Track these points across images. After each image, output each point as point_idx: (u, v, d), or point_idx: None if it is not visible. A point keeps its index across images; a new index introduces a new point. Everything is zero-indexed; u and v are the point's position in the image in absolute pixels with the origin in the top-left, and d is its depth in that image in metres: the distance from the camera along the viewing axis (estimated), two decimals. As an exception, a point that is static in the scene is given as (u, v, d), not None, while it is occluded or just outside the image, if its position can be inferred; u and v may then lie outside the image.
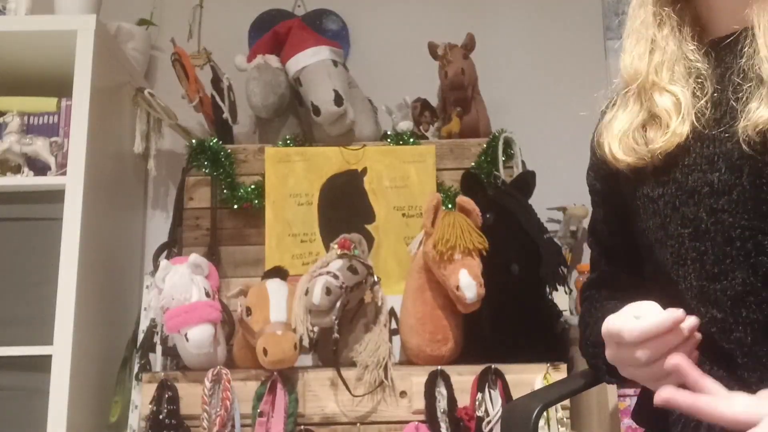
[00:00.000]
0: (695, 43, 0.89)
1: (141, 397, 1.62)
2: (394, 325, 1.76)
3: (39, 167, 1.82)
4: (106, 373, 1.88)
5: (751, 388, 0.77)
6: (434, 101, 2.16)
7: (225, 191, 1.97)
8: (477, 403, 1.56)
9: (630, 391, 1.69)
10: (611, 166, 0.92)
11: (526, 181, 1.83)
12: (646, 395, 0.98)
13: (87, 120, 1.79)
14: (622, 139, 0.89)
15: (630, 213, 0.95)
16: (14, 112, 1.83)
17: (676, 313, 0.75)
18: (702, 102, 0.84)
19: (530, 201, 1.82)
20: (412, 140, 2.02)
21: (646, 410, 0.95)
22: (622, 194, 0.96)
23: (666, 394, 0.71)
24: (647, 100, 0.88)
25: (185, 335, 1.56)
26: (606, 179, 0.99)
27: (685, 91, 0.86)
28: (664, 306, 0.89)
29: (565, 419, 1.55)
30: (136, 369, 1.77)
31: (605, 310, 0.96)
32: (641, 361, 0.76)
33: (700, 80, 0.86)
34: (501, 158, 1.96)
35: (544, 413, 1.46)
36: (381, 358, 1.59)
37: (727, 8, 0.87)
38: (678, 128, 0.84)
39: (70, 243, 1.71)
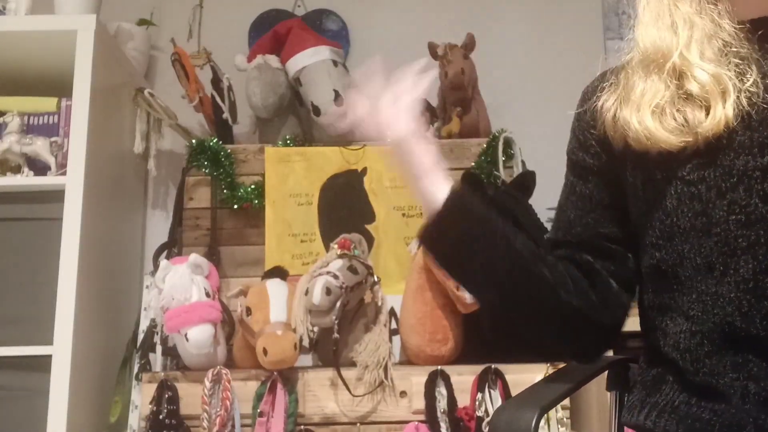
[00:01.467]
0: (734, 23, 0.85)
1: (141, 397, 1.62)
2: (394, 325, 1.76)
3: (39, 167, 1.82)
4: (106, 373, 1.88)
5: None
6: (434, 101, 2.16)
7: (225, 191, 1.97)
8: (477, 403, 1.56)
9: (630, 391, 1.69)
10: (619, 144, 0.86)
11: (526, 181, 1.83)
12: (638, 396, 0.97)
13: (87, 120, 1.79)
14: (656, 116, 0.83)
15: (629, 198, 0.90)
16: (14, 112, 1.83)
17: None
18: (747, 85, 0.80)
19: (530, 201, 1.82)
20: (412, 140, 2.02)
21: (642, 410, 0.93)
22: (617, 179, 0.91)
23: None
24: (683, 78, 0.83)
25: (185, 335, 1.56)
26: (600, 156, 0.93)
27: (729, 72, 0.81)
28: (690, 306, 0.83)
29: (565, 419, 1.55)
30: (136, 369, 1.78)
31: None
32: None
33: (742, 61, 0.82)
34: (501, 158, 1.96)
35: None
36: (381, 358, 1.59)
37: None
38: (726, 111, 0.79)
39: (70, 243, 1.71)
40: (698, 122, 0.80)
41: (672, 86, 0.83)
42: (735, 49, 0.83)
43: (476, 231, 0.89)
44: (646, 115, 0.83)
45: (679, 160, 0.82)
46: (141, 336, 1.82)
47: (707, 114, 0.80)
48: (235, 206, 1.97)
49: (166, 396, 1.58)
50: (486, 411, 1.55)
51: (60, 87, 1.86)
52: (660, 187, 0.84)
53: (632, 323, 1.78)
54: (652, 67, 0.86)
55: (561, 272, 0.91)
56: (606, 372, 1.23)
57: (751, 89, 0.80)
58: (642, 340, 0.95)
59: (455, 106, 2.06)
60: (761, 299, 0.76)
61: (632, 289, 0.95)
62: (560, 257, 0.94)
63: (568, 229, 0.98)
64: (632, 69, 0.88)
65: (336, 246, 1.69)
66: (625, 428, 0.93)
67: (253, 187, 1.98)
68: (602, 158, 0.93)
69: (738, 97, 0.80)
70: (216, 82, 2.11)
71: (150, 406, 1.57)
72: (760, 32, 0.84)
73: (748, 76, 0.81)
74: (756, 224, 0.77)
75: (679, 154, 0.82)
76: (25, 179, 1.80)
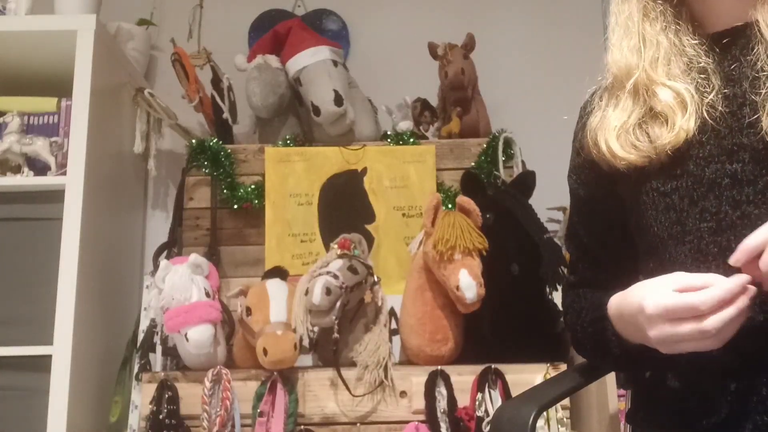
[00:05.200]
0: (696, 38, 0.88)
1: (141, 397, 1.62)
2: (394, 325, 1.76)
3: (39, 167, 1.82)
4: (106, 373, 1.88)
5: None
6: (434, 101, 2.16)
7: (225, 191, 1.97)
8: (477, 403, 1.56)
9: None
10: (604, 165, 0.90)
11: (526, 181, 1.83)
12: (639, 396, 0.97)
13: (87, 120, 1.79)
14: (621, 136, 0.86)
15: (624, 213, 0.94)
16: (14, 112, 1.83)
17: (744, 277, 0.72)
18: (711, 96, 0.83)
19: (530, 201, 1.82)
20: (412, 140, 2.03)
21: (642, 411, 0.94)
22: (612, 195, 0.95)
23: None
24: (646, 96, 0.86)
25: (185, 335, 1.56)
26: (590, 184, 0.97)
27: (689, 86, 0.84)
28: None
29: (565, 419, 1.55)
30: (136, 369, 1.77)
31: (597, 298, 0.95)
32: (711, 331, 0.71)
33: (704, 75, 0.85)
34: (501, 158, 1.96)
35: (543, 413, 1.46)
36: (381, 358, 1.59)
37: (725, 4, 0.87)
38: (684, 124, 0.82)
39: (70, 243, 1.71)
40: (658, 137, 0.84)
41: (638, 106, 0.87)
42: (697, 64, 0.86)
43: None
44: (611, 137, 0.87)
45: (654, 172, 0.86)
46: (141, 336, 1.81)
47: (668, 128, 0.83)
48: (235, 206, 1.96)
49: (166, 396, 1.58)
50: (486, 411, 1.55)
51: (60, 87, 1.86)
52: (642, 200, 0.88)
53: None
54: (619, 89, 0.89)
55: None
56: (613, 372, 1.23)
57: (714, 100, 0.83)
58: None
59: (455, 106, 2.06)
60: None
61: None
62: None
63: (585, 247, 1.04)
64: (607, 92, 0.92)
65: (336, 246, 1.69)
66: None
67: (253, 187, 1.98)
68: (594, 188, 0.98)
69: (700, 108, 0.83)
70: (216, 82, 2.11)
71: (150, 406, 1.57)
72: (722, 42, 0.86)
73: (709, 88, 0.83)
74: (727, 230, 0.80)
75: (652, 168, 0.86)
76: (25, 179, 1.80)
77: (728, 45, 0.86)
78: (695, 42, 0.87)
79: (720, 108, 0.82)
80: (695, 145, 0.83)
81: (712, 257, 0.81)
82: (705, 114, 0.82)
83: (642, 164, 0.85)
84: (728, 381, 0.80)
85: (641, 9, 0.90)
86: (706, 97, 0.83)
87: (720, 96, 0.83)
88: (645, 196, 0.87)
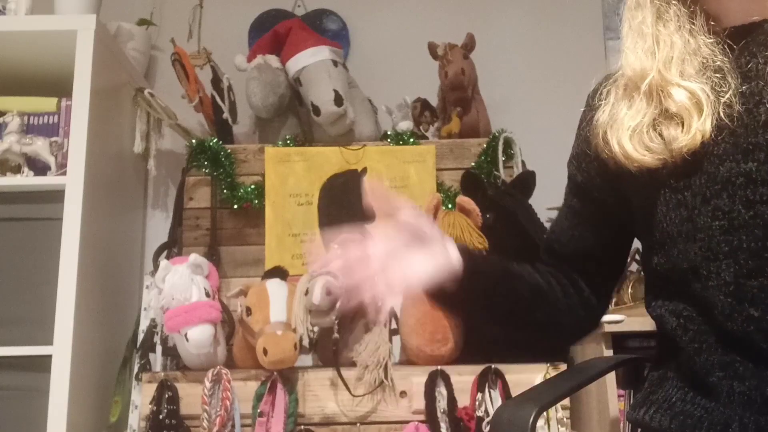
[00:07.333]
0: (711, 36, 0.87)
1: (141, 397, 1.62)
2: (394, 325, 1.76)
3: (39, 167, 1.82)
4: (106, 373, 1.88)
5: None
6: (434, 101, 2.17)
7: (225, 191, 1.97)
8: (477, 403, 1.56)
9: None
10: (612, 165, 0.89)
11: (526, 181, 1.83)
12: (639, 396, 0.97)
13: (87, 120, 1.79)
14: (634, 137, 0.85)
15: (629, 207, 0.93)
16: (14, 112, 1.83)
17: None
18: (728, 95, 0.82)
19: (530, 201, 1.82)
20: (412, 140, 2.03)
21: (642, 411, 0.94)
22: (613, 190, 0.94)
23: None
24: (662, 97, 0.85)
25: (185, 335, 1.56)
26: (591, 173, 0.97)
27: (704, 86, 0.83)
28: (684, 306, 0.86)
29: (565, 419, 1.55)
30: (136, 369, 1.77)
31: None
32: None
33: (719, 74, 0.84)
34: (501, 158, 1.96)
35: (543, 413, 1.46)
36: (381, 358, 1.59)
37: (742, 1, 0.86)
38: (701, 126, 0.81)
39: (70, 243, 1.71)
40: (673, 138, 0.83)
41: (652, 107, 0.86)
42: (713, 63, 0.85)
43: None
44: (624, 138, 0.86)
45: (667, 169, 0.85)
46: (141, 336, 1.81)
47: (684, 130, 0.82)
48: (235, 206, 1.97)
49: (166, 396, 1.58)
50: (486, 411, 1.55)
51: (60, 87, 1.86)
52: (652, 195, 0.87)
53: (632, 323, 1.78)
54: (633, 90, 0.88)
55: (555, 285, 1.00)
56: (613, 372, 1.23)
57: (730, 99, 0.82)
58: (655, 339, 0.99)
59: (455, 106, 2.06)
60: (742, 302, 0.79)
61: (601, 295, 1.03)
62: (551, 267, 1.05)
63: (557, 239, 1.06)
64: (619, 90, 0.91)
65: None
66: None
67: (253, 187, 1.98)
68: (593, 176, 0.97)
69: (716, 108, 0.82)
70: (216, 82, 2.11)
71: (150, 406, 1.57)
72: (739, 37, 0.85)
73: (725, 87, 0.82)
74: (739, 230, 0.79)
75: (665, 169, 0.85)
76: (25, 179, 1.80)
77: (746, 40, 0.85)
78: (710, 41, 0.86)
79: (736, 107, 0.81)
80: (710, 143, 0.82)
81: (723, 256, 0.80)
82: (721, 114, 0.81)
83: (655, 167, 0.84)
84: (732, 381, 0.79)
85: (654, 12, 0.89)
86: (723, 97, 0.82)
87: (737, 95, 0.82)
88: (657, 192, 0.87)
